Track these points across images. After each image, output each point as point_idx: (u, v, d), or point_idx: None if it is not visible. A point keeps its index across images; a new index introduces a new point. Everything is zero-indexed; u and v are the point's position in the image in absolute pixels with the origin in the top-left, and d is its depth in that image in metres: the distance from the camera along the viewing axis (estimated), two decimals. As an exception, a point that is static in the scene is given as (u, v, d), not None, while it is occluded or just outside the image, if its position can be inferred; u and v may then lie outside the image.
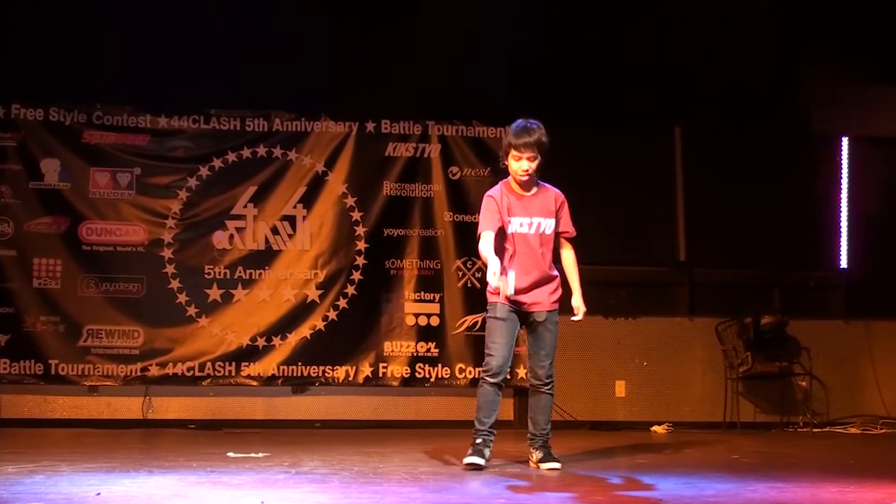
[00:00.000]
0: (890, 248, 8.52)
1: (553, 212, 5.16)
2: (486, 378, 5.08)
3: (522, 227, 5.10)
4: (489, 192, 5.15)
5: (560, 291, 5.21)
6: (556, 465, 5.04)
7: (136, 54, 7.74)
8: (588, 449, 6.30)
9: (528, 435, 5.20)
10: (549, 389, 5.16)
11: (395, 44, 7.93)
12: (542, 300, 5.13)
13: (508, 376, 5.27)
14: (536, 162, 5.06)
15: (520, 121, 5.10)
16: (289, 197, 8.05)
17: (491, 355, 5.07)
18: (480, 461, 4.99)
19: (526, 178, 5.07)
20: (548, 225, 5.14)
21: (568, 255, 5.29)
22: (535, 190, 5.16)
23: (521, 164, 5.06)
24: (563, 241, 5.27)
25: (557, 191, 5.24)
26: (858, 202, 8.64)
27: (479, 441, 5.08)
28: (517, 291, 5.00)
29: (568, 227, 5.26)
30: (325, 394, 8.03)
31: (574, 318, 5.14)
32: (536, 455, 5.12)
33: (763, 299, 8.45)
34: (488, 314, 5.14)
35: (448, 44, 7.54)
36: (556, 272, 5.20)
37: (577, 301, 5.21)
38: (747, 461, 5.67)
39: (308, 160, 8.09)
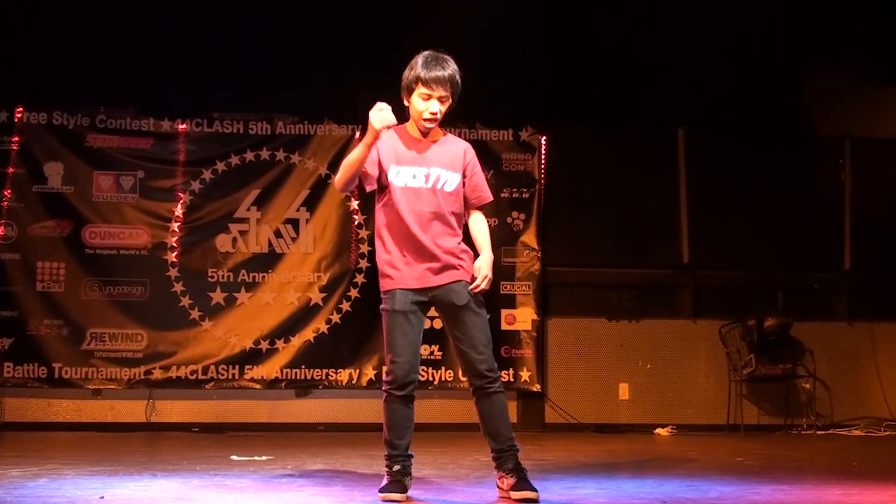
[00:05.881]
0: (894, 250, 8.50)
1: (459, 167, 4.08)
2: (392, 392, 4.01)
3: (415, 180, 4.01)
4: None
5: (472, 262, 4.06)
6: (533, 494, 3.92)
7: (139, 58, 7.75)
8: (591, 451, 6.29)
9: (493, 455, 4.10)
10: (498, 386, 4.05)
11: (396, 45, 7.92)
12: (450, 270, 4.00)
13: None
14: (447, 105, 4.04)
15: (429, 51, 4.08)
16: (292, 200, 8.06)
17: (394, 362, 3.99)
18: (401, 496, 3.93)
19: (432, 123, 4.04)
20: (449, 180, 4.05)
21: (478, 220, 4.18)
22: (437, 137, 4.12)
23: (429, 105, 4.00)
24: (471, 211, 4.18)
25: (467, 144, 4.20)
26: (862, 204, 8.64)
27: (396, 468, 4.02)
28: (412, 277, 3.98)
29: (481, 191, 4.15)
30: (329, 397, 8.04)
31: (471, 287, 3.99)
32: (508, 481, 4.03)
33: (767, 301, 8.43)
34: (384, 306, 4.06)
35: (451, 45, 7.54)
36: (464, 245, 4.08)
37: (482, 261, 4.04)
38: (751, 464, 5.66)
39: (311, 163, 8.09)
